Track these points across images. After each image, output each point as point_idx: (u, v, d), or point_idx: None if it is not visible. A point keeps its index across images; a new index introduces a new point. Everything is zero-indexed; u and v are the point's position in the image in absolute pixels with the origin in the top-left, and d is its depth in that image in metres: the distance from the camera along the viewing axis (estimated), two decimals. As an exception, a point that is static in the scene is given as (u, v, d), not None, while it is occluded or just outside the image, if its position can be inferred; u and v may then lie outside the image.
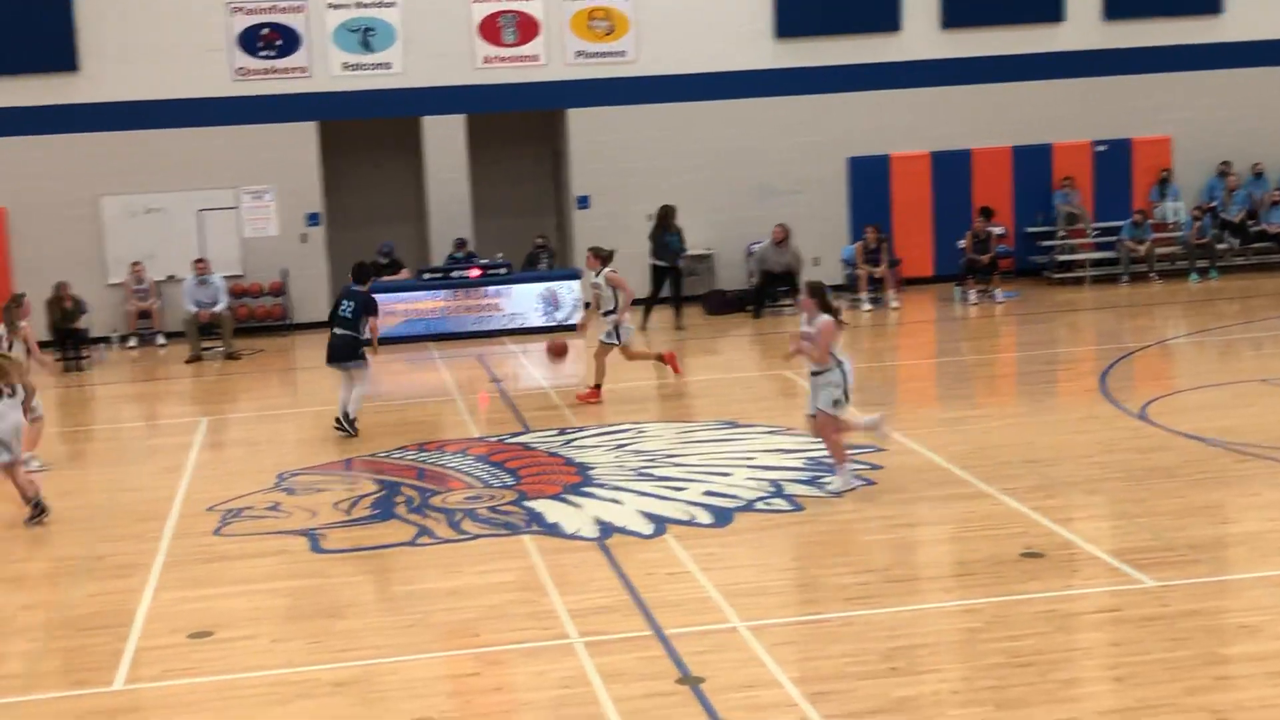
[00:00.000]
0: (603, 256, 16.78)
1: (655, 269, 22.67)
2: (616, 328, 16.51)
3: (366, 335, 15.35)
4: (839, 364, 11.72)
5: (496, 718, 7.82)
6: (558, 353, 17.59)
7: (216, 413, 17.90)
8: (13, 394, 12.15)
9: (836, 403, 11.69)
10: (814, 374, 11.83)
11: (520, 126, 26.16)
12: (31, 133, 23.32)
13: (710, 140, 25.06)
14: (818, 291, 11.87)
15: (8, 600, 10.32)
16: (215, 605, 9.91)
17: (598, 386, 16.47)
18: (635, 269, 22.28)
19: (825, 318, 11.70)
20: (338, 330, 15.46)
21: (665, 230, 22.65)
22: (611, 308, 16.55)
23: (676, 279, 22.72)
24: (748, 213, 24.96)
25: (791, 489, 12.10)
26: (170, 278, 23.68)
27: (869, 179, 25.49)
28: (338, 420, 15.21)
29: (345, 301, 15.59)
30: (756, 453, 13.53)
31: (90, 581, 10.65)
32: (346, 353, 15.35)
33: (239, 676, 8.61)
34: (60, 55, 23.43)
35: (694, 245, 24.68)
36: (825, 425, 11.82)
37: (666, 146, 25.00)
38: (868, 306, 23.35)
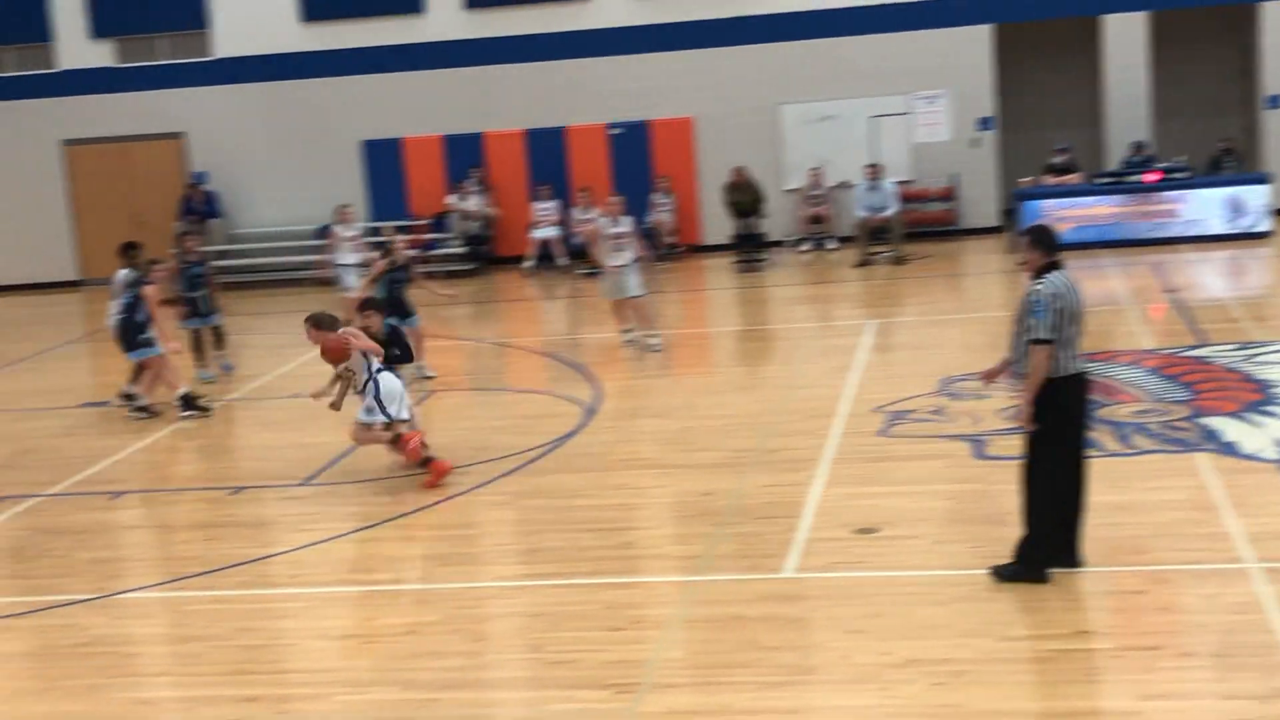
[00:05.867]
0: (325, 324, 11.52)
1: None
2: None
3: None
4: None
5: (1161, 637, 7.55)
6: None
7: (883, 316, 18.23)
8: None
9: None
10: None
11: (1206, 22, 24.61)
12: (710, 45, 24.45)
13: None
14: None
15: (691, 486, 11.08)
16: (880, 503, 10.18)
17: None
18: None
19: None
20: None
21: None
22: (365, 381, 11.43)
23: None
24: None
25: None
26: (843, 183, 24.25)
27: None
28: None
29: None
30: None
31: (764, 473, 11.22)
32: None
33: (900, 574, 8.82)
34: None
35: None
36: None
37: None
38: None
